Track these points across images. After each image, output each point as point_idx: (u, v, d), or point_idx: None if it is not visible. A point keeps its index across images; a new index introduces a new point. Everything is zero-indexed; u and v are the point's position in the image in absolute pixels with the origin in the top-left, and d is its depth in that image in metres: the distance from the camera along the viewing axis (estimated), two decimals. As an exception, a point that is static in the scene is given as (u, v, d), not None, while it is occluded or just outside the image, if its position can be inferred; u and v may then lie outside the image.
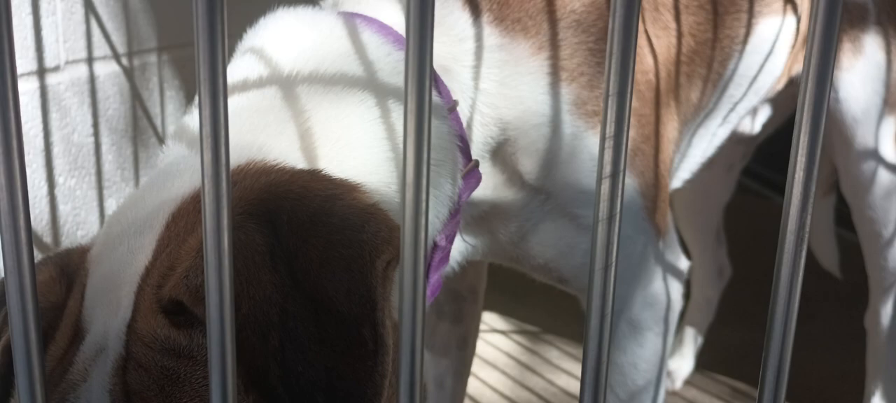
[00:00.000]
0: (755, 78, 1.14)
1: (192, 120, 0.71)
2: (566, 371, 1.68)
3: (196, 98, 0.66)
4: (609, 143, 0.35)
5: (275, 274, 0.51)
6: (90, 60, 1.06)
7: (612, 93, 0.35)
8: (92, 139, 1.06)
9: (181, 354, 0.54)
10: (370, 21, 0.74)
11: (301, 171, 0.61)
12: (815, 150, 0.37)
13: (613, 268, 0.37)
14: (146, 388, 0.55)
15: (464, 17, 0.77)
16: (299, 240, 0.52)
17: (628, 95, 0.35)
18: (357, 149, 0.67)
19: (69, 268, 0.64)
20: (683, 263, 1.00)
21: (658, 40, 0.92)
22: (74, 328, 0.60)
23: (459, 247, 0.84)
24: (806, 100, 0.37)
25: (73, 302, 0.62)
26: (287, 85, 0.68)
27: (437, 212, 0.73)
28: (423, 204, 0.35)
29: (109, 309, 0.59)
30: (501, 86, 0.77)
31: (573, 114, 0.80)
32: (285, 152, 0.64)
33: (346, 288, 0.51)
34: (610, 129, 0.35)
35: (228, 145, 0.35)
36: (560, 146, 0.80)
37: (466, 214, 0.80)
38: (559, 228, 0.84)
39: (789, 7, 1.13)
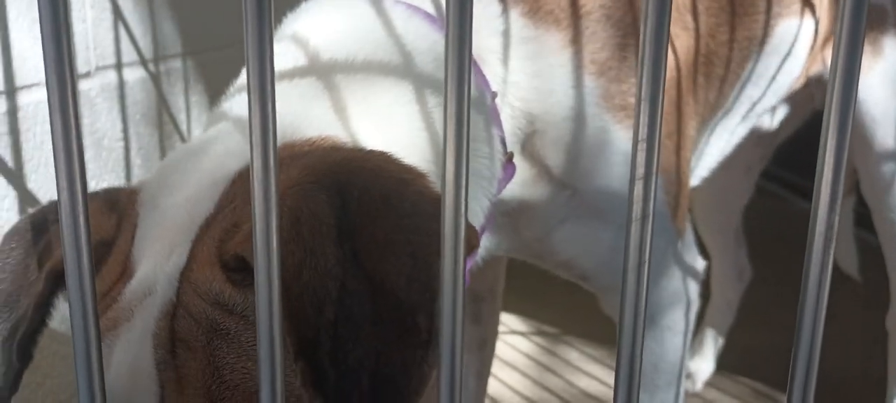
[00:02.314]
0: (774, 78, 1.14)
1: None
2: (586, 373, 1.68)
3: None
4: (642, 146, 0.36)
5: (339, 248, 0.51)
6: (119, 66, 1.08)
7: (644, 98, 0.36)
8: (121, 143, 1.08)
9: (234, 311, 0.54)
10: (414, 8, 0.74)
11: (374, 151, 0.61)
12: (842, 151, 0.38)
13: (646, 267, 0.38)
14: (193, 338, 0.55)
15: (497, 10, 0.78)
16: (367, 219, 0.52)
17: (660, 99, 0.36)
18: (417, 135, 0.69)
19: (119, 205, 0.63)
20: (700, 263, 1.00)
21: (678, 40, 0.93)
22: (123, 266, 0.60)
23: (485, 242, 0.84)
24: (833, 102, 0.38)
25: (122, 240, 0.61)
26: (341, 67, 0.69)
27: (480, 204, 0.73)
28: (463, 203, 0.36)
29: (162, 253, 0.58)
30: (532, 79, 0.78)
31: (601, 107, 0.80)
32: (353, 132, 0.65)
33: (408, 273, 0.51)
34: (643, 132, 0.36)
35: (276, 136, 0.36)
36: (587, 140, 0.80)
37: (495, 210, 0.81)
38: (584, 225, 0.84)
39: (807, 9, 1.14)
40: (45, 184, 0.89)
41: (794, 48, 1.14)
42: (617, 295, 0.92)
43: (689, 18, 0.95)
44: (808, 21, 1.14)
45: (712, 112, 1.06)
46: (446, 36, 0.36)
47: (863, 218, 1.47)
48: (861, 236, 1.60)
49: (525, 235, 0.86)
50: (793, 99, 1.32)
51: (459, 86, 0.37)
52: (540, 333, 1.86)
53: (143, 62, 1.15)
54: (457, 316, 0.37)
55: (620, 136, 0.81)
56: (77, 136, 0.34)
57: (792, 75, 1.18)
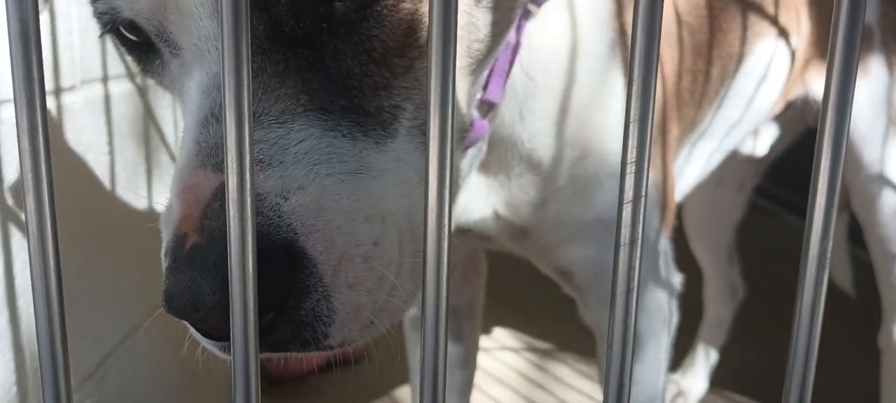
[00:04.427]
0: (751, 100, 1.14)
1: None
2: (576, 389, 1.67)
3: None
4: (631, 169, 0.35)
5: None
6: (105, 79, 1.07)
7: (633, 119, 0.35)
8: (107, 157, 1.07)
9: None
10: None
11: None
12: (835, 177, 0.37)
13: (635, 293, 0.37)
14: None
15: None
16: None
17: (650, 122, 0.35)
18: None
19: None
20: (677, 278, 1.00)
21: (665, 54, 0.92)
22: None
23: (475, 197, 0.83)
24: (827, 128, 0.37)
25: None
26: None
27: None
28: (447, 204, 0.35)
29: None
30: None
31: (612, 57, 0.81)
32: None
33: None
34: (632, 155, 0.35)
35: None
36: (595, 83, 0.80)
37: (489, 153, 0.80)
38: (577, 204, 0.83)
39: (783, 32, 1.14)
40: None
41: (770, 70, 1.14)
42: (599, 298, 0.91)
43: (675, 31, 0.95)
44: (784, 44, 1.15)
45: (691, 129, 1.06)
46: (429, 34, 0.35)
47: (857, 236, 1.47)
48: (856, 253, 1.61)
49: (517, 198, 0.84)
50: (781, 121, 1.32)
51: (444, 93, 0.36)
52: (531, 349, 1.85)
53: (130, 75, 1.14)
54: (439, 325, 0.36)
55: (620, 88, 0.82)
56: (46, 158, 0.33)
57: (770, 98, 1.19)
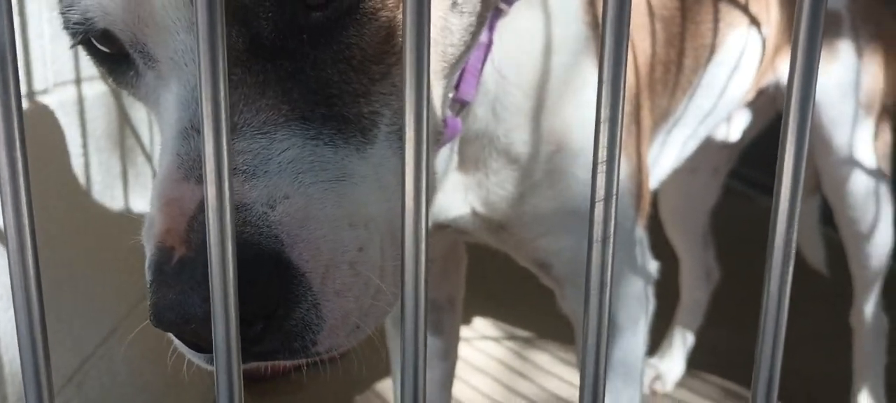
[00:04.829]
0: (723, 90, 1.16)
1: None
2: (557, 376, 1.69)
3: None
4: (602, 168, 0.36)
5: None
6: (78, 81, 1.06)
7: (604, 119, 0.36)
8: (82, 159, 1.06)
9: None
10: None
11: None
12: (799, 168, 0.39)
13: (608, 289, 0.38)
14: None
15: None
16: None
17: (620, 121, 0.36)
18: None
19: None
20: (653, 265, 1.01)
21: (640, 45, 0.93)
22: None
23: (452, 200, 0.84)
24: (791, 116, 0.38)
25: None
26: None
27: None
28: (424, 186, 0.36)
29: None
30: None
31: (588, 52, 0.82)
32: None
33: None
34: (602, 154, 0.36)
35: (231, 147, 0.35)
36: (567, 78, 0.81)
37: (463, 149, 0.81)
38: (554, 197, 0.83)
39: (754, 22, 1.16)
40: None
41: (742, 59, 1.16)
42: (576, 289, 0.92)
43: (648, 23, 0.96)
44: (755, 33, 1.16)
45: (664, 119, 1.07)
46: (404, 33, 0.36)
47: (829, 217, 1.50)
48: (827, 233, 1.64)
49: (495, 195, 0.84)
50: (754, 107, 1.34)
51: (418, 87, 0.37)
52: (511, 337, 1.86)
53: (104, 76, 1.13)
54: (419, 319, 0.37)
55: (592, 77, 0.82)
56: (23, 165, 0.33)
57: (742, 87, 1.20)
